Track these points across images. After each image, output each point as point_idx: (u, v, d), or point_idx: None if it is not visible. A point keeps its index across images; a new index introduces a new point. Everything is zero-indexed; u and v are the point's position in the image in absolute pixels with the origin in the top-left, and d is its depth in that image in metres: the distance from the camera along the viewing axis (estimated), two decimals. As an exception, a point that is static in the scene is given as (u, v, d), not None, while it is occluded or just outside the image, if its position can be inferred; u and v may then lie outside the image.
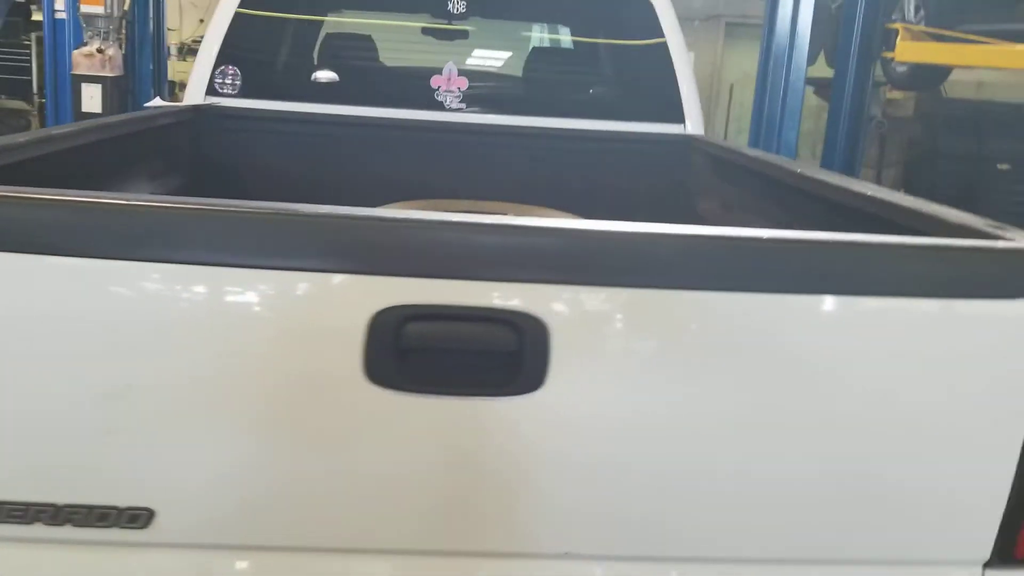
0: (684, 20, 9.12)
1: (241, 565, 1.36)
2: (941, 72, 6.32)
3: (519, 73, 3.48)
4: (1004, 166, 8.24)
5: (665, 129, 3.39)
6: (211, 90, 3.25)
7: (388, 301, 1.27)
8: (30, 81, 6.54)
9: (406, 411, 1.29)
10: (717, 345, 1.34)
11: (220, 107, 3.22)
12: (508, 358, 1.30)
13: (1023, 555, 1.48)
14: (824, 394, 1.37)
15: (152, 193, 2.75)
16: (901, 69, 6.27)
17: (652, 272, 1.31)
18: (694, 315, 1.33)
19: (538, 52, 3.65)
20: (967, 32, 5.33)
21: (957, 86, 8.49)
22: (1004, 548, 1.47)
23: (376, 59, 3.43)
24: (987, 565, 1.49)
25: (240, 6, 3.25)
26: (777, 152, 4.82)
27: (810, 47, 4.73)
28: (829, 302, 1.35)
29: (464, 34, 3.40)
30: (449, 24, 3.39)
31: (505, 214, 3.13)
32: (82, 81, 4.79)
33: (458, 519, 1.35)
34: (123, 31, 5.01)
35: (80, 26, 4.86)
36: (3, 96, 7.49)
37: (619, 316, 1.32)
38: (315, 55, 3.45)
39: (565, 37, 3.68)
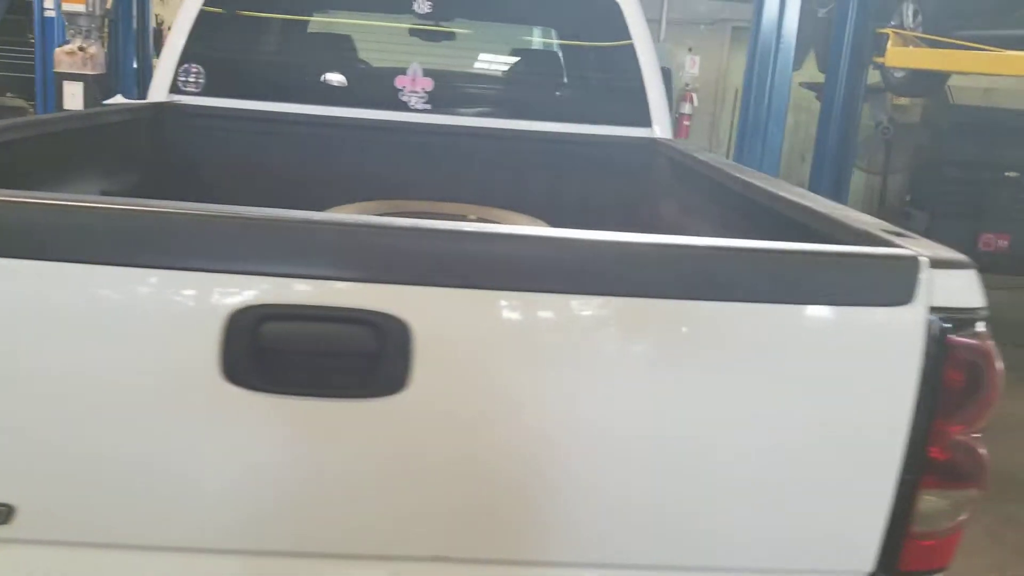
0: (690, 24, 9.08)
1: (103, 561, 1.35)
2: (939, 78, 6.24)
3: (485, 75, 3.47)
4: (1012, 173, 8.14)
5: (632, 133, 3.37)
6: (175, 88, 3.26)
7: (245, 301, 1.26)
8: (32, 79, 6.61)
9: (263, 411, 1.29)
10: (585, 348, 1.33)
11: (179, 105, 3.22)
12: (369, 360, 1.29)
13: (907, 568, 1.45)
14: (702, 399, 1.35)
15: (102, 191, 2.76)
16: (899, 75, 6.20)
17: (513, 276, 1.30)
18: (558, 318, 1.32)
19: (504, 54, 3.64)
20: (963, 38, 5.25)
21: (964, 92, 8.39)
22: (888, 560, 1.44)
23: (341, 59, 3.43)
24: (872, 577, 1.46)
25: (205, 4, 3.26)
26: (761, 156, 4.78)
27: (797, 51, 4.68)
28: (701, 308, 1.33)
29: (430, 35, 3.39)
30: (415, 24, 3.38)
31: (463, 216, 3.12)
32: (64, 79, 4.84)
33: (316, 521, 1.34)
34: (106, 29, 5.06)
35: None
36: (10, 94, 7.58)
37: (483, 319, 1.31)
38: (280, 54, 3.46)
39: (532, 38, 3.66)
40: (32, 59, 7.00)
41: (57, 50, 4.94)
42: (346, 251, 1.28)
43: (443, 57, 3.45)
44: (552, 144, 3.33)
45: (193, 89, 3.28)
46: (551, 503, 1.35)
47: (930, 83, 6.17)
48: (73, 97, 4.79)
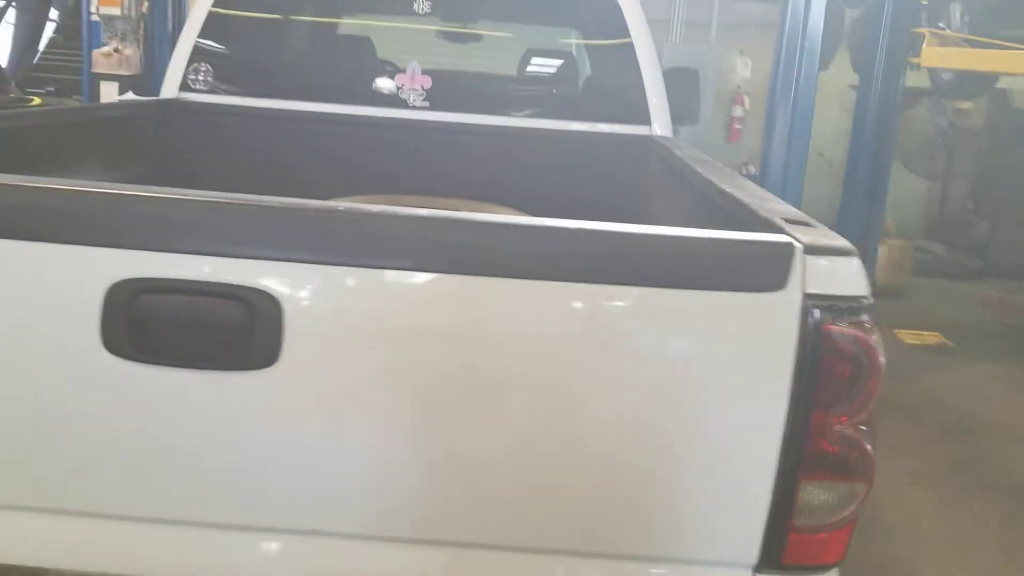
0: (741, 27, 8.93)
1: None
2: (987, 80, 6.04)
3: (483, 72, 3.50)
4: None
5: (630, 130, 3.36)
6: (184, 86, 3.38)
7: (124, 274, 1.32)
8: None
9: (141, 381, 1.34)
10: (456, 328, 1.34)
11: (184, 101, 3.34)
12: (241, 333, 1.33)
13: (792, 561, 1.43)
14: (570, 384, 1.35)
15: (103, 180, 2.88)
16: (947, 76, 6.02)
17: (384, 253, 1.33)
18: (432, 297, 1.34)
19: (502, 51, 3.67)
20: (1011, 39, 5.09)
21: (1026, 96, 8.12)
22: (772, 553, 1.42)
23: (342, 57, 3.50)
24: (756, 570, 1.44)
25: (214, 5, 3.37)
26: (787, 159, 4.69)
27: (825, 51, 4.58)
28: (569, 290, 1.33)
29: (429, 33, 3.44)
30: (415, 24, 3.43)
31: (455, 210, 3.15)
32: (101, 79, 5.05)
33: (191, 490, 1.39)
34: (142, 31, 5.26)
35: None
36: (76, 96, 7.92)
37: (353, 296, 1.34)
38: (283, 53, 3.55)
39: (531, 36, 3.68)
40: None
41: (94, 52, 5.15)
42: (219, 228, 1.33)
43: (442, 55, 3.50)
44: (548, 141, 3.34)
45: (201, 87, 3.39)
46: (422, 480, 1.37)
47: (977, 85, 5.98)
48: (109, 97, 5.00)
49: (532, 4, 3.46)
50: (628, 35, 3.36)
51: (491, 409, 1.35)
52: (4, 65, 5.56)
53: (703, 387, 1.35)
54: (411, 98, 3.38)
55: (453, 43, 3.54)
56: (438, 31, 3.48)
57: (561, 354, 1.34)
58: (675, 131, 6.08)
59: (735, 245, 1.35)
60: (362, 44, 3.53)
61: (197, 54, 3.38)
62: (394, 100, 3.36)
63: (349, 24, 3.57)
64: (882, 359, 1.35)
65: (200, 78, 3.39)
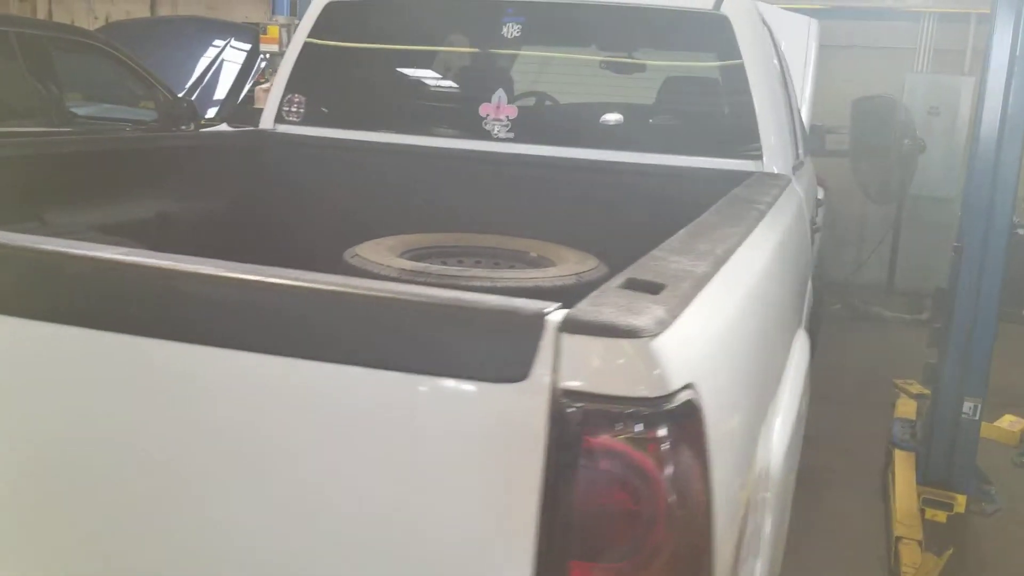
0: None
1: None
2: None
3: (572, 101, 3.18)
4: None
5: (737, 166, 2.90)
6: (279, 118, 3.37)
7: None
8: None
9: None
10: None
11: (273, 133, 3.32)
12: None
13: None
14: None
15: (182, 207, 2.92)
16: None
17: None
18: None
19: (594, 78, 3.31)
20: None
21: None
22: None
23: (429, 88, 3.34)
24: None
25: (309, 35, 3.34)
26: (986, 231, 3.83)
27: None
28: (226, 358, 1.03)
29: (518, 59, 3.18)
30: (503, 51, 3.18)
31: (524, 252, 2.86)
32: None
33: None
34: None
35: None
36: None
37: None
38: (371, 85, 3.43)
39: (626, 60, 3.29)
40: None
41: (257, 88, 5.40)
42: None
43: (529, 83, 3.22)
44: (643, 177, 2.95)
45: (295, 119, 3.36)
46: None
47: None
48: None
49: (626, 25, 3.10)
50: (739, 56, 2.90)
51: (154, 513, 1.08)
52: (222, 98, 6.02)
53: (420, 516, 0.99)
54: (495, 129, 3.13)
55: (540, 70, 3.26)
56: (527, 57, 3.22)
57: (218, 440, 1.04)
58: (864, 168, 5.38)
59: (461, 313, 0.98)
60: (450, 74, 3.35)
61: (292, 85, 3.36)
62: (479, 131, 3.13)
63: (436, 52, 3.40)
64: (673, 496, 0.92)
65: (292, 110, 3.36)
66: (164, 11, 9.71)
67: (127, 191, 2.89)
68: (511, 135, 3.11)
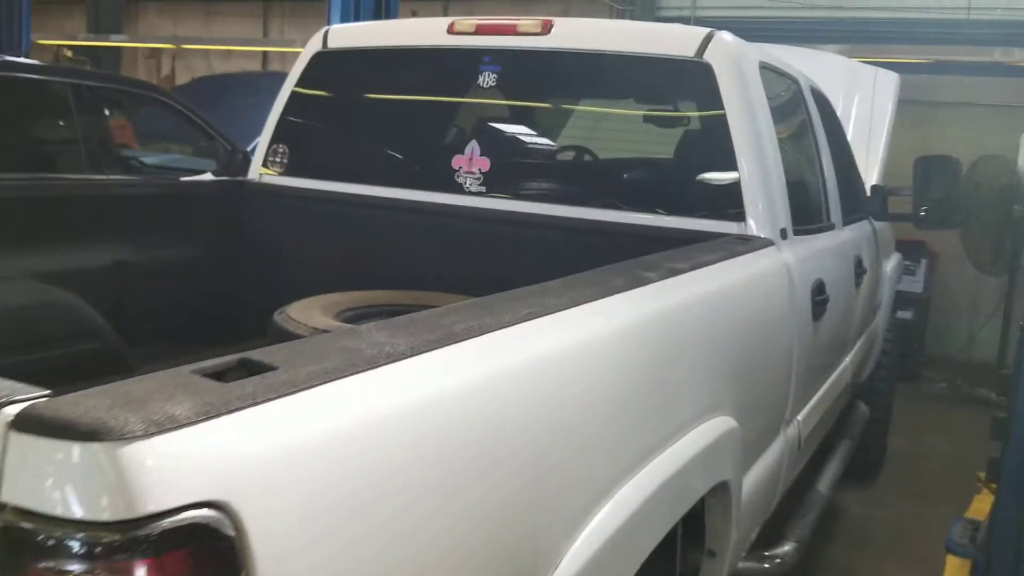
0: None
1: None
2: None
3: (546, 153, 2.95)
4: None
5: (716, 228, 2.61)
6: (265, 167, 3.30)
7: None
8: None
9: None
10: None
11: (246, 183, 3.26)
12: None
13: None
14: None
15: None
16: None
17: None
18: None
19: (570, 130, 3.06)
20: None
21: None
22: None
23: (407, 139, 3.19)
24: None
25: (296, 85, 3.27)
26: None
27: None
28: None
29: (493, 110, 2.99)
30: (479, 99, 3.00)
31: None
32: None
33: None
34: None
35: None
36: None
37: None
38: (353, 135, 3.31)
39: (603, 110, 3.02)
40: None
41: None
42: None
43: (502, 135, 3.03)
44: (609, 238, 2.70)
45: (278, 169, 3.29)
46: None
47: None
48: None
49: (603, 73, 2.87)
50: (721, 107, 2.63)
51: None
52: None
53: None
54: (467, 182, 2.95)
55: (516, 121, 3.06)
56: (501, 107, 3.02)
57: None
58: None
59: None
60: (426, 125, 3.19)
61: (278, 135, 3.29)
62: (452, 184, 2.96)
63: (413, 102, 3.25)
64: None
65: (276, 160, 3.29)
66: (273, 67, 10.11)
67: (86, 237, 2.86)
68: (483, 188, 2.92)
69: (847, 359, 3.57)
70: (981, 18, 7.30)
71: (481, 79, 2.95)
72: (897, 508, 4.68)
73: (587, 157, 2.92)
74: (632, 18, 8.62)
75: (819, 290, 2.81)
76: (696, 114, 2.83)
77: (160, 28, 12.23)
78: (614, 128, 2.93)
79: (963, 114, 7.77)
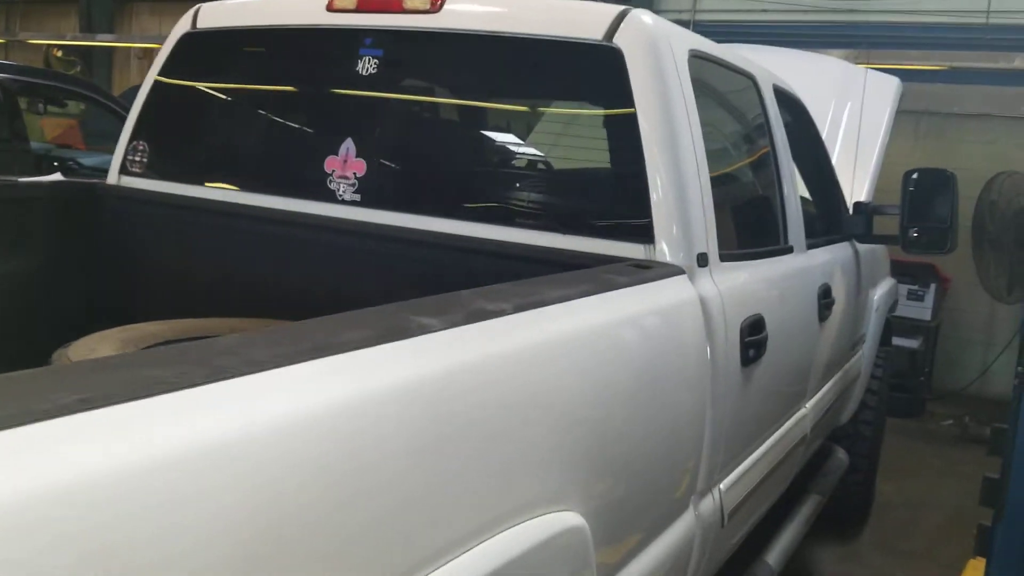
0: None
1: None
2: None
3: (429, 156, 2.45)
4: None
5: (617, 250, 2.10)
6: (123, 168, 2.84)
7: None
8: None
9: None
10: None
11: (95, 185, 2.81)
12: None
13: None
14: None
15: None
16: None
17: None
18: None
19: (459, 127, 2.55)
20: None
21: None
22: None
23: (279, 136, 2.72)
24: None
25: (160, 72, 2.81)
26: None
27: None
28: None
29: (373, 103, 2.50)
30: (358, 90, 2.51)
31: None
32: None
33: None
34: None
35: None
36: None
37: None
38: (219, 131, 2.84)
39: (497, 105, 2.51)
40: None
41: None
42: None
43: (383, 132, 2.55)
44: (491, 258, 2.21)
45: (138, 170, 2.83)
46: None
47: None
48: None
49: (499, 62, 2.38)
50: (631, 105, 2.13)
51: None
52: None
53: None
54: (341, 189, 2.47)
55: (398, 118, 2.56)
56: (381, 100, 2.53)
57: None
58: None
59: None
60: (300, 120, 2.72)
61: (139, 131, 2.83)
62: (324, 191, 2.48)
63: (288, 93, 2.77)
64: None
65: (136, 159, 2.83)
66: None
67: None
68: (357, 197, 2.44)
69: (806, 406, 3.04)
70: (1001, 22, 6.72)
71: (360, 65, 2.48)
72: (879, 569, 4.11)
73: (476, 162, 2.42)
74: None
75: (755, 328, 2.30)
76: (602, 112, 2.33)
77: (153, 28, 11.91)
78: (512, 127, 2.43)
79: (982, 126, 7.18)
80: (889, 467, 5.41)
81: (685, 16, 8.16)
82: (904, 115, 7.46)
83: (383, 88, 2.48)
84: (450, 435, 1.20)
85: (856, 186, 4.25)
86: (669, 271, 1.99)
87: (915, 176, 3.58)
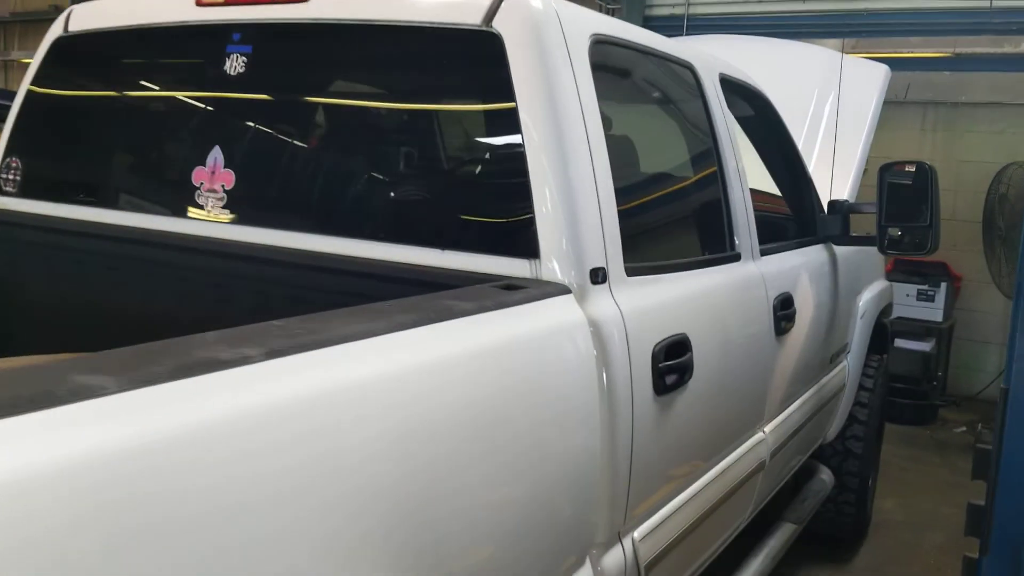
0: None
1: None
2: None
3: (299, 165, 2.17)
4: None
5: (501, 267, 1.82)
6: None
7: None
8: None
9: None
10: None
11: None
12: None
13: None
14: None
15: None
16: None
17: None
18: None
19: (335, 130, 2.26)
20: None
21: None
22: None
23: (147, 149, 2.45)
24: None
25: (33, 82, 2.57)
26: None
27: None
28: None
29: (242, 105, 2.23)
30: (228, 92, 2.24)
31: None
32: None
33: None
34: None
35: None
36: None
37: None
38: (90, 144, 2.58)
39: (369, 104, 2.21)
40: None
41: None
42: None
43: (253, 139, 2.28)
44: (363, 280, 1.93)
45: (11, 189, 2.58)
46: None
47: None
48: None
49: (374, 55, 2.10)
50: (511, 98, 1.84)
51: None
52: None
53: None
54: (209, 203, 2.21)
55: (268, 122, 2.29)
56: (250, 102, 2.26)
57: None
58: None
59: None
60: (165, 130, 2.45)
61: (12, 146, 2.59)
62: (193, 206, 2.22)
63: (156, 100, 2.50)
64: None
65: (9, 177, 2.58)
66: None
67: None
68: (225, 212, 2.17)
69: (763, 431, 2.72)
70: (1006, 5, 6.33)
71: (228, 64, 2.21)
72: (871, 602, 3.78)
73: (349, 172, 2.13)
74: (622, 17, 7.78)
75: (675, 351, 1.99)
76: (481, 107, 2.04)
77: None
78: (389, 129, 2.14)
79: (990, 115, 6.79)
80: (893, 481, 5.06)
81: (679, 10, 7.83)
82: (910, 106, 7.11)
83: (252, 89, 2.21)
84: (142, 527, 0.92)
85: (838, 183, 3.92)
86: (547, 291, 1.69)
87: (892, 170, 3.25)
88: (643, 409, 1.89)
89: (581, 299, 1.76)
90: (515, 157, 1.81)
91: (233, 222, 2.14)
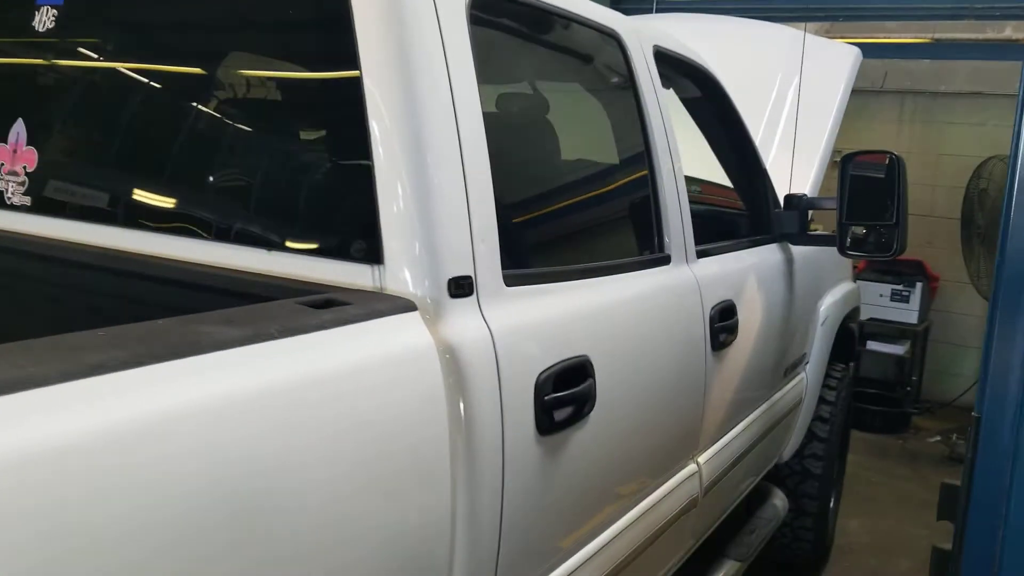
0: None
1: None
2: None
3: (113, 143, 1.78)
4: None
5: (341, 275, 1.43)
6: None
7: None
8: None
9: None
10: None
11: None
12: None
13: None
14: None
15: None
16: None
17: None
18: None
19: (160, 99, 1.84)
20: None
21: None
22: None
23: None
24: None
25: None
26: None
27: None
28: None
29: (53, 70, 1.83)
30: (37, 58, 1.84)
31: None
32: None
33: None
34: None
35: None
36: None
37: None
38: None
39: (197, 71, 1.81)
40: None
41: None
42: None
43: (61, 111, 1.87)
44: (168, 285, 1.54)
45: None
46: None
47: None
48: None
49: (206, 12, 1.70)
50: (356, 66, 1.44)
51: None
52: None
53: None
54: (10, 190, 1.81)
55: (81, 89, 1.88)
56: (63, 66, 1.86)
57: None
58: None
59: None
60: None
61: None
62: (-3, 194, 1.82)
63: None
64: None
65: None
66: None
67: None
68: (27, 200, 1.77)
69: (697, 461, 2.35)
70: (989, -12, 5.96)
71: (38, 20, 1.81)
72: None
73: (171, 154, 1.73)
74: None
75: (566, 379, 1.61)
76: (320, 75, 1.64)
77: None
78: (220, 104, 1.74)
79: (972, 105, 6.43)
80: (859, 498, 4.71)
81: (649, -8, 7.43)
82: (887, 96, 6.75)
83: (62, 51, 1.81)
84: None
85: (799, 176, 3.54)
86: (376, 309, 1.30)
87: (855, 161, 2.88)
88: (520, 453, 1.50)
89: (434, 317, 1.38)
90: (357, 139, 1.42)
91: (31, 211, 1.75)
